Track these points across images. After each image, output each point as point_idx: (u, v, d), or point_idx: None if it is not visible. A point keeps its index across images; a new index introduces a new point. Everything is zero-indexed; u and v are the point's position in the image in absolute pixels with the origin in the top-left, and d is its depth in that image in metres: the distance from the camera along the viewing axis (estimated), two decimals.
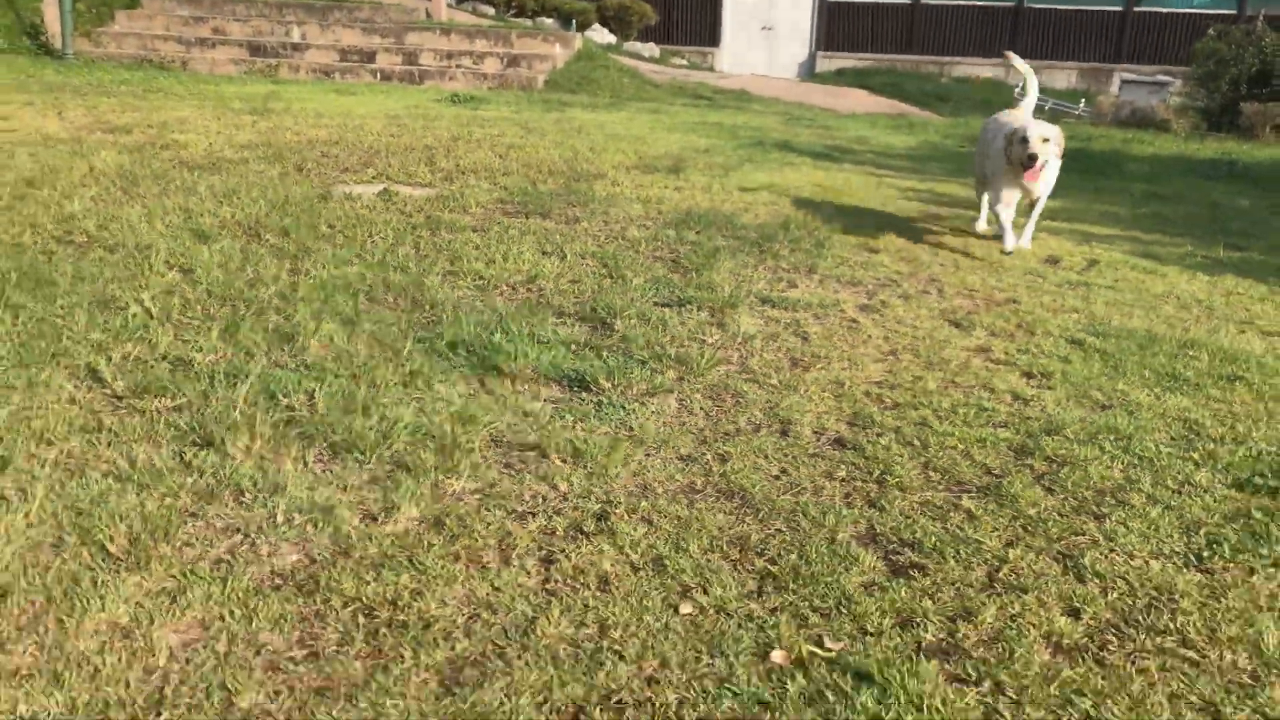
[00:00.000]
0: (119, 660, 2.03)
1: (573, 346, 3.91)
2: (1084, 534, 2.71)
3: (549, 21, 17.44)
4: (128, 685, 1.96)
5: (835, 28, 20.73)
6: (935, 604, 2.35)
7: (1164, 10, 19.98)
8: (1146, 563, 2.58)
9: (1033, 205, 5.93)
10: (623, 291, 4.60)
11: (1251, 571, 2.56)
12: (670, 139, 9.82)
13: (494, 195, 6.63)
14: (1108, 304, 4.94)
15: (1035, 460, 3.14)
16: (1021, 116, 6.09)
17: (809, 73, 20.35)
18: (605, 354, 3.83)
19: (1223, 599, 2.42)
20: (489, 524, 2.61)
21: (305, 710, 1.92)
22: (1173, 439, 3.34)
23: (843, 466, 3.05)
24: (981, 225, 6.32)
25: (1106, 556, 2.59)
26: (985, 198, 6.23)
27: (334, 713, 1.92)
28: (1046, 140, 5.63)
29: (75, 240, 5.06)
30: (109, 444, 2.93)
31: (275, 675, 2.02)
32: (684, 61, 19.30)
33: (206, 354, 3.62)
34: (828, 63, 20.35)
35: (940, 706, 1.98)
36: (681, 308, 4.45)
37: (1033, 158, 5.56)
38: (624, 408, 3.38)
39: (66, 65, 13.88)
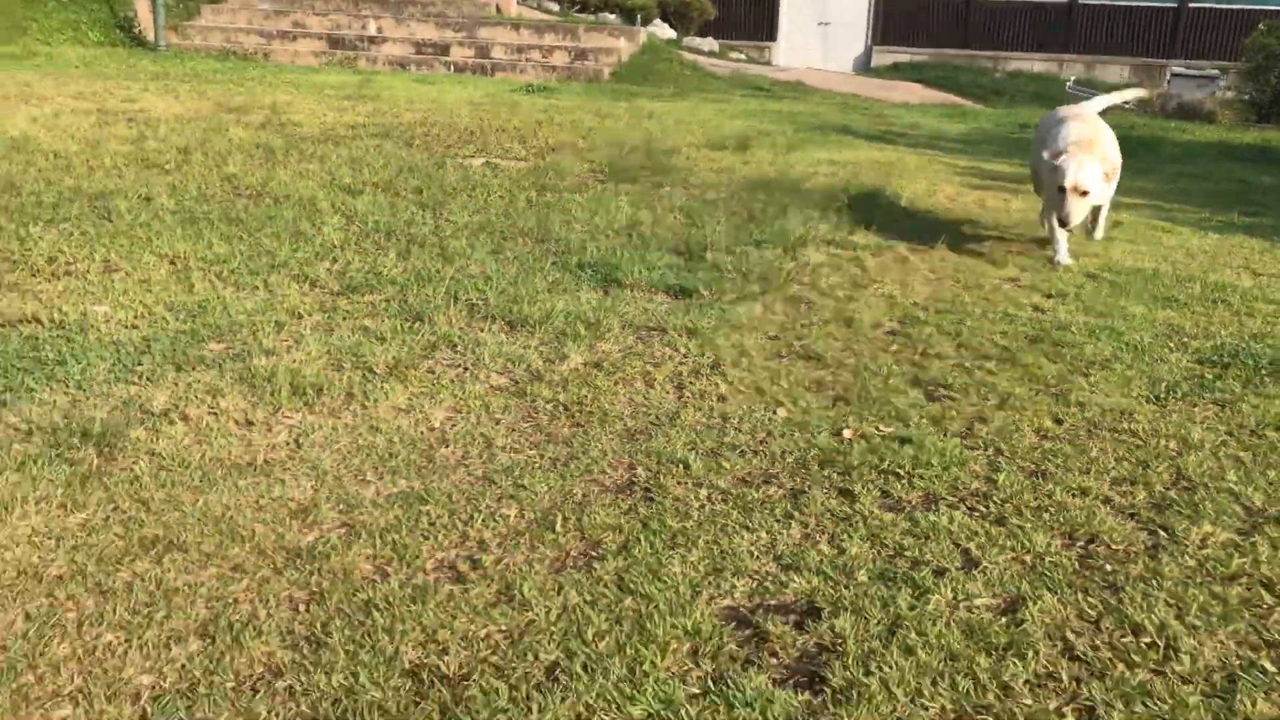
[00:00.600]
0: (408, 423, 3.18)
1: (674, 269, 5.03)
2: (1073, 383, 3.78)
3: (611, 17, 18.63)
4: (421, 434, 3.11)
5: (891, 22, 21.82)
6: (959, 414, 3.44)
7: (1219, 6, 20.86)
8: (1117, 399, 3.64)
9: (1096, 211, 5.85)
10: (709, 234, 5.71)
11: (1194, 405, 3.62)
12: (734, 124, 10.92)
13: (584, 166, 7.77)
14: (1124, 251, 5.97)
15: (1044, 344, 4.21)
16: (1073, 133, 5.58)
17: (864, 67, 21.46)
18: (701, 273, 4.94)
19: (1168, 418, 3.49)
20: (634, 367, 3.73)
21: (540, 446, 3.05)
22: (1155, 335, 4.39)
23: (894, 344, 4.14)
24: (1063, 258, 5.55)
25: (1088, 395, 3.67)
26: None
27: (557, 446, 3.05)
28: (1085, 195, 5.31)
29: (245, 194, 6.26)
30: (344, 318, 4.10)
31: (513, 432, 3.16)
32: (741, 56, 20.45)
33: (391, 269, 4.78)
34: (883, 57, 21.47)
35: (957, 455, 3.07)
36: (759, 246, 5.56)
37: (1064, 221, 5.35)
38: (721, 308, 4.49)
39: (161, 57, 15.27)
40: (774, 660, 2.12)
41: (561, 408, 3.35)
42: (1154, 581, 2.43)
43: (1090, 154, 5.43)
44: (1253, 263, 5.93)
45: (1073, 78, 18.91)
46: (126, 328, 3.88)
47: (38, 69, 12.88)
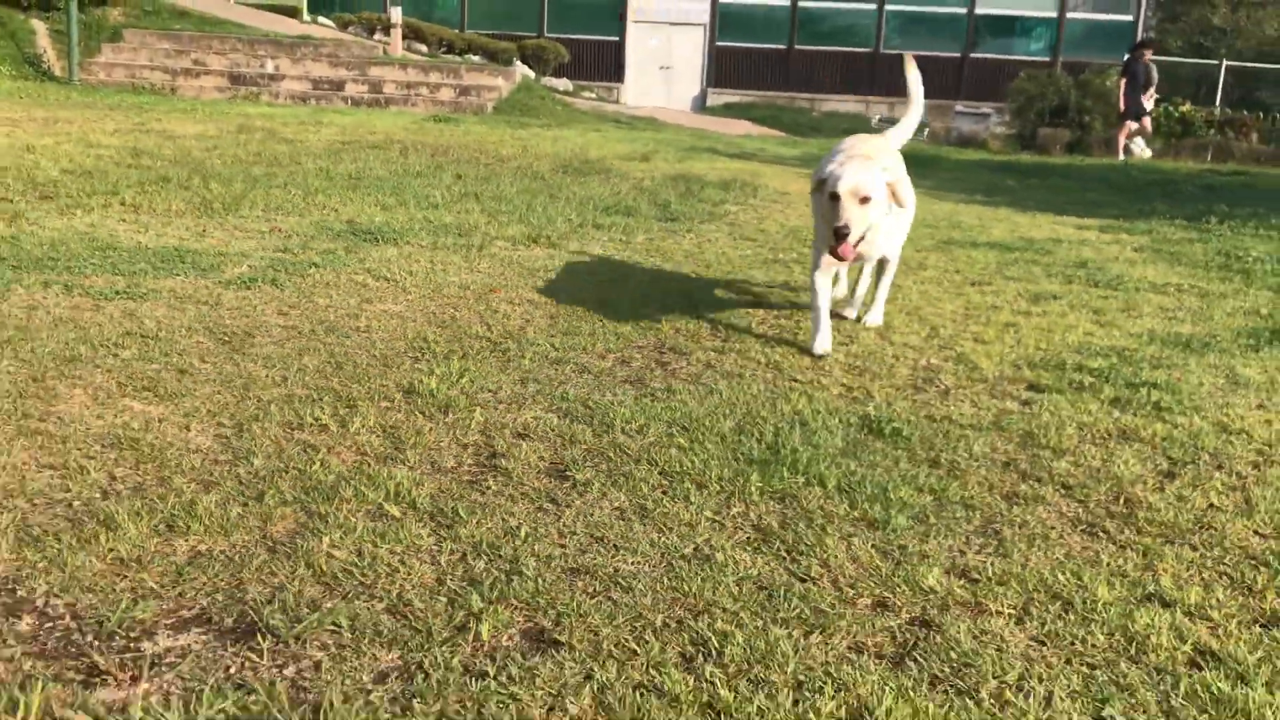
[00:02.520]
0: (588, 247, 7.90)
1: (658, 212, 9.89)
2: None
3: (475, 58, 23.48)
4: (594, 252, 7.84)
5: (723, 68, 27.55)
6: None
7: (994, 56, 27.62)
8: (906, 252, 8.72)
9: (881, 267, 5.43)
10: (665, 198, 10.60)
11: (930, 252, 8.73)
12: (622, 146, 15.93)
13: (545, 166, 12.56)
14: None
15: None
16: (861, 148, 5.10)
17: (701, 106, 26.99)
18: (674, 212, 9.83)
19: (917, 258, 8.58)
20: (671, 241, 8.58)
21: (648, 258, 7.84)
22: (919, 237, 9.53)
23: (788, 238, 9.13)
24: (822, 342, 5.00)
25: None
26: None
27: (659, 256, 7.85)
28: (866, 200, 4.61)
29: (350, 177, 10.73)
30: (507, 223, 8.75)
31: (635, 254, 7.94)
32: (593, 95, 25.65)
33: (503, 208, 9.43)
34: (717, 98, 27.12)
35: None
36: (697, 203, 10.49)
37: (840, 233, 4.52)
38: (695, 228, 9.37)
39: (82, 90, 19.13)
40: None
41: (649, 251, 8.14)
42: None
43: (870, 161, 4.88)
44: (981, 216, 11.30)
45: (878, 117, 24.99)
46: (406, 226, 8.41)
47: None
